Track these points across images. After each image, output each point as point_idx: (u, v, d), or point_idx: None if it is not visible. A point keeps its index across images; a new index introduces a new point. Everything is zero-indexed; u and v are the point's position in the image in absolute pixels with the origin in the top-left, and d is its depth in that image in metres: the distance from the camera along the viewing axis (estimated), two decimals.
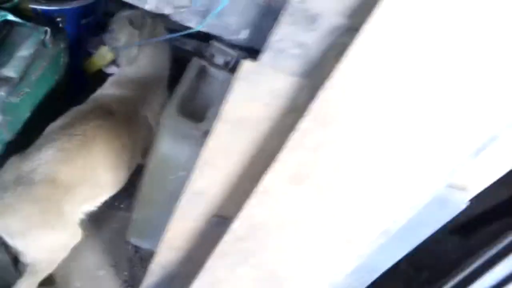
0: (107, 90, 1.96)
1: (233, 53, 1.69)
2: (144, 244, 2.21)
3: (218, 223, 1.48)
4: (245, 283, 1.63)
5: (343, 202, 1.30)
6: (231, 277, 1.60)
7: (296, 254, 1.51)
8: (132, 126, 1.85)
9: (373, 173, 1.20)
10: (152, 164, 1.68)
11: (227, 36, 1.56)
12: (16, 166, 1.58)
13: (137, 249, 2.29)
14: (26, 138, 1.81)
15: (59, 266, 1.79)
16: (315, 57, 1.03)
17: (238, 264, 1.53)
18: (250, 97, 1.13)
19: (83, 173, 1.67)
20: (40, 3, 2.01)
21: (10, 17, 1.86)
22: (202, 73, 1.82)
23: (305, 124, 1.08)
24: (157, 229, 1.74)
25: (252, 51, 1.46)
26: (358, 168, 1.19)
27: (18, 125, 1.90)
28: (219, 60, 1.76)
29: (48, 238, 1.61)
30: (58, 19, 2.06)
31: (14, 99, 1.77)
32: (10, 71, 1.75)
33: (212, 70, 1.79)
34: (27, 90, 1.84)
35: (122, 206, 2.43)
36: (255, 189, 1.26)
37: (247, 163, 1.31)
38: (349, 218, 1.35)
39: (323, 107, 1.04)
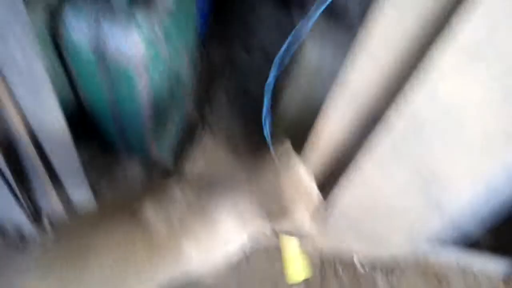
0: None
1: None
2: None
3: (371, 120, 1.44)
4: (395, 183, 1.59)
5: None
6: (380, 176, 1.57)
7: (454, 150, 1.41)
8: None
9: None
10: (299, 74, 1.64)
11: None
12: None
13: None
14: None
15: None
16: None
17: (389, 163, 1.49)
18: None
19: None
20: None
21: None
22: None
23: None
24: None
25: None
26: None
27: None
28: None
29: None
30: None
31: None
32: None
33: None
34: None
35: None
36: (417, 73, 1.18)
37: (408, 52, 1.22)
38: None
39: None
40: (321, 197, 1.28)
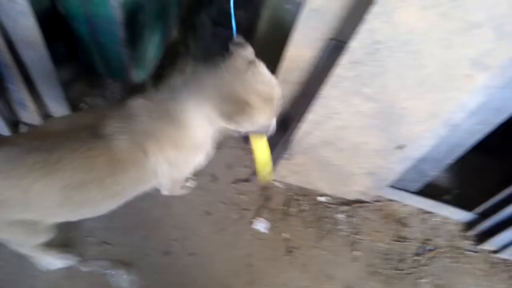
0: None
1: None
2: None
3: (335, 48, 1.46)
4: (358, 117, 1.63)
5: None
6: (344, 109, 1.60)
7: (414, 84, 1.44)
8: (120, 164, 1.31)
9: None
10: None
11: None
12: None
13: None
14: None
15: None
16: None
17: (352, 93, 1.52)
18: None
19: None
20: None
21: None
22: None
23: None
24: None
25: None
26: None
27: None
28: None
29: None
30: None
31: None
32: None
33: None
34: None
35: None
36: None
37: None
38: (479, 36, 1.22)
39: None
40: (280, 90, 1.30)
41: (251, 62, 1.25)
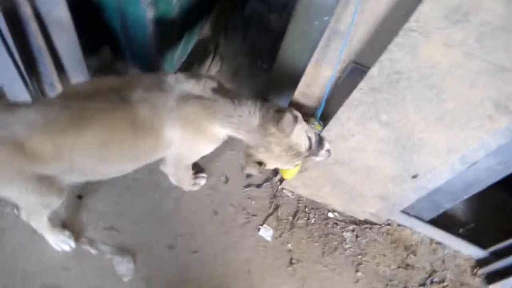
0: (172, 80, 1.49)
1: None
2: (280, 103, 2.31)
3: (355, 71, 1.44)
4: (373, 141, 1.60)
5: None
6: (359, 132, 1.58)
7: (433, 117, 1.40)
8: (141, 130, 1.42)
9: None
10: (298, 9, 1.64)
11: None
12: None
13: None
14: None
15: None
16: None
17: (369, 118, 1.50)
18: None
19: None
20: None
21: None
22: None
23: None
24: (292, 85, 1.79)
25: None
26: None
27: None
28: None
29: None
30: None
31: None
32: None
33: None
34: None
35: (264, 66, 2.55)
36: (404, 26, 1.16)
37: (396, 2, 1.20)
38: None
39: None
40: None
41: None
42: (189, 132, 1.50)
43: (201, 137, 1.55)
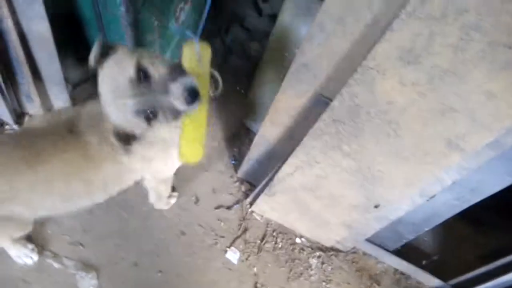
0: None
1: None
2: (255, 127, 2.37)
3: (320, 102, 1.50)
4: (337, 170, 1.65)
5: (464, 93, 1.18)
6: (324, 160, 1.63)
7: (391, 151, 1.46)
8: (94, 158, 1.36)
9: None
10: (272, 40, 1.72)
11: None
12: None
13: (248, 131, 2.49)
14: None
15: None
16: None
17: (332, 148, 1.55)
18: None
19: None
20: None
21: None
22: None
23: None
24: (265, 111, 1.84)
25: None
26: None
27: None
28: None
29: None
30: None
31: None
32: None
33: None
34: None
35: (242, 91, 2.62)
36: (362, 63, 1.23)
37: (359, 36, 1.27)
38: (459, 117, 1.24)
39: None
40: None
41: None
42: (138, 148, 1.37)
43: (151, 147, 1.43)
